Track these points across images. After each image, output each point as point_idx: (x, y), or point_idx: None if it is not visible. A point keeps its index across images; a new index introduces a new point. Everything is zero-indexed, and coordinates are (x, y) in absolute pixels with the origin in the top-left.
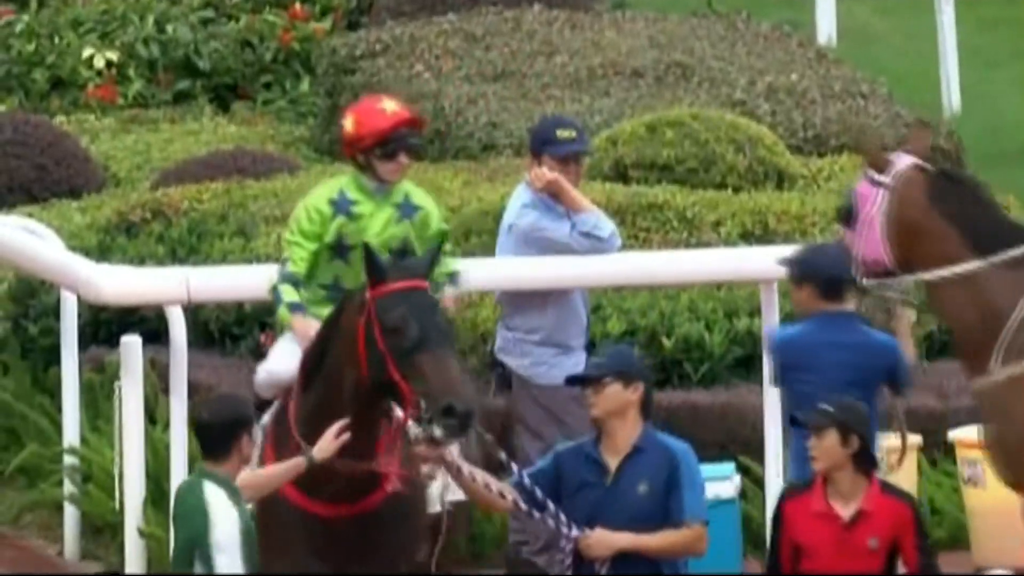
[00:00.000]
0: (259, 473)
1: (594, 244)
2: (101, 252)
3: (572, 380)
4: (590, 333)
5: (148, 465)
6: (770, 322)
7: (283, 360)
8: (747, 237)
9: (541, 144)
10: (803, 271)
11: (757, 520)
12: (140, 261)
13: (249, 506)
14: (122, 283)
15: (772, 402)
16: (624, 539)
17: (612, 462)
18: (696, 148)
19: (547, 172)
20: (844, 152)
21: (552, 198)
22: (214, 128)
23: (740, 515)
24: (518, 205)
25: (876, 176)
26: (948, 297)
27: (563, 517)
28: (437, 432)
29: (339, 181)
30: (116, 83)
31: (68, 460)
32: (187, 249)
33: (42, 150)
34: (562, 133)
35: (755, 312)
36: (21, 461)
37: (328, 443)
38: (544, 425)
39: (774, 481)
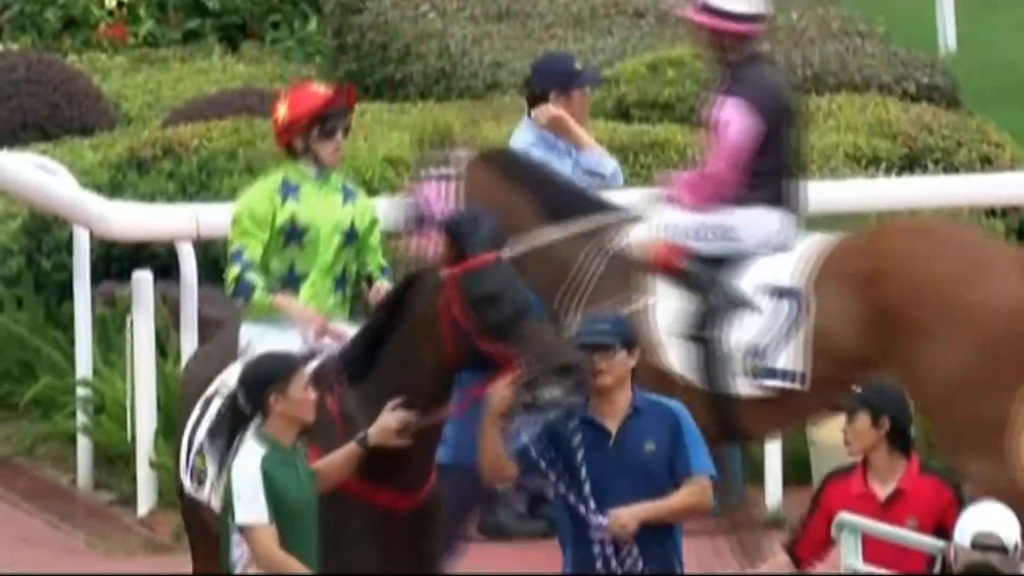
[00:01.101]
0: (317, 467)
1: (598, 182)
2: (113, 189)
3: (584, 347)
4: None
5: (159, 397)
6: None
7: None
8: None
9: (552, 81)
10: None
11: (755, 452)
12: (151, 198)
13: None
14: (133, 219)
15: None
16: (646, 509)
17: (612, 425)
18: (696, 86)
19: (552, 109)
20: (842, 91)
21: (555, 136)
22: (223, 67)
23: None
24: (521, 144)
25: (440, 171)
26: (530, 268)
27: (591, 504)
28: (551, 393)
29: (276, 174)
30: (127, 23)
31: (81, 392)
32: (197, 186)
33: (55, 88)
34: (576, 66)
35: None
36: (35, 393)
37: (387, 425)
38: None
39: None
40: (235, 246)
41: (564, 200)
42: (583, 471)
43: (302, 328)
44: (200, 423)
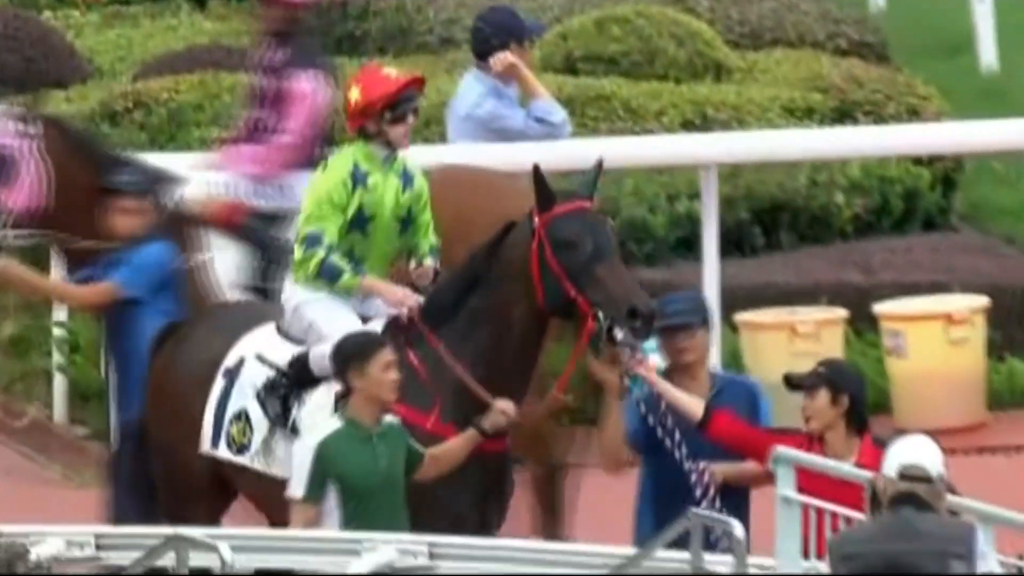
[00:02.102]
0: (434, 453)
1: (547, 129)
2: None
3: (664, 329)
4: None
5: None
6: (709, 205)
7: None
8: (687, 125)
9: (508, 32)
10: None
11: None
12: (123, 148)
13: None
14: None
15: (711, 278)
16: (726, 471)
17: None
18: (640, 43)
19: (510, 56)
20: (778, 47)
21: (505, 85)
22: (191, 24)
23: None
24: (474, 94)
25: (21, 127)
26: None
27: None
28: (621, 336)
29: (348, 155)
30: None
31: (57, 332)
32: (166, 136)
33: (31, 44)
34: (525, 19)
35: (695, 195)
36: (13, 333)
37: (497, 415)
38: None
39: (713, 348)
40: (313, 229)
41: (116, 162)
42: (679, 447)
43: (395, 308)
44: (230, 393)
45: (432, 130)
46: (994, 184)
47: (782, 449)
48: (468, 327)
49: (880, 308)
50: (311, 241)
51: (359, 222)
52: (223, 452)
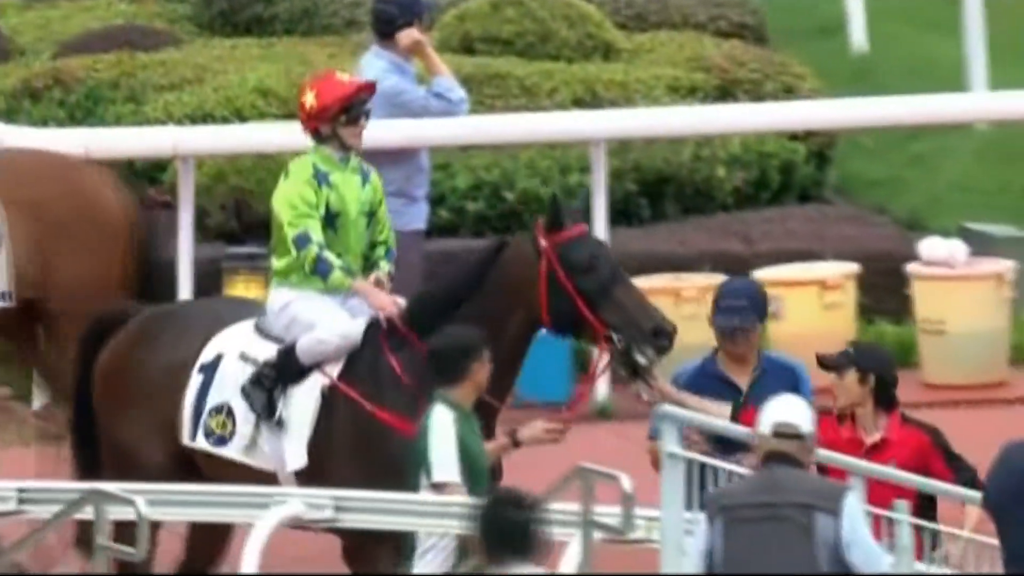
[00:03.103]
0: None
1: (446, 106)
2: (8, 115)
3: (727, 329)
4: (441, 188)
5: None
6: (599, 178)
7: (334, 327)
8: (578, 103)
9: (412, 11)
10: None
11: (584, 348)
12: (43, 123)
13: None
14: (26, 143)
15: None
16: None
17: (743, 382)
18: (534, 24)
19: (416, 33)
20: (662, 29)
21: (406, 61)
22: (107, 5)
23: (572, 346)
24: (376, 69)
25: None
26: None
27: None
28: (644, 356)
29: (306, 160)
30: None
31: None
32: (84, 113)
33: None
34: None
35: (585, 169)
36: None
37: (538, 431)
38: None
39: None
40: (299, 230)
41: None
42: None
43: (379, 312)
44: (208, 388)
45: None
46: (864, 158)
47: (666, 407)
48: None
49: (759, 274)
50: (301, 241)
51: (328, 219)
52: (200, 443)
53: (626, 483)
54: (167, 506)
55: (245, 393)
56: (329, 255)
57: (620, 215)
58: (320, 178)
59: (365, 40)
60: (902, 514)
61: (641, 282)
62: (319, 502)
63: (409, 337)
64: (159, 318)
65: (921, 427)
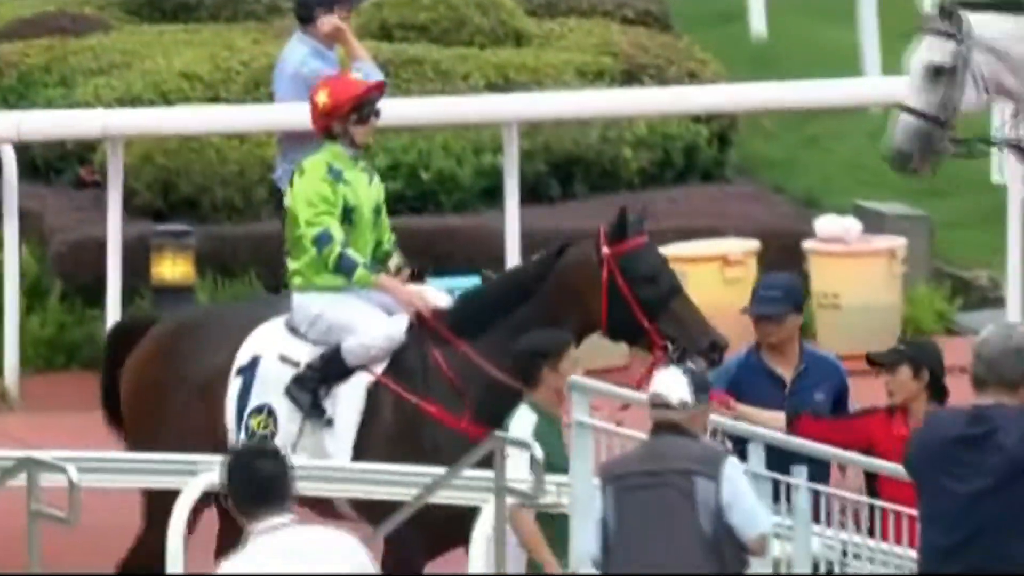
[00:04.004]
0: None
1: None
2: None
3: (760, 317)
4: None
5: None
6: (510, 158)
7: (376, 329)
8: (491, 87)
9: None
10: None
11: None
12: None
13: None
14: None
15: (512, 225)
16: None
17: (787, 374)
18: (449, 12)
19: (336, 20)
20: (571, 16)
21: (327, 47)
22: None
23: None
24: (299, 55)
25: None
26: None
27: None
28: (696, 367)
29: (319, 157)
30: None
31: None
32: (17, 96)
33: None
34: None
35: (498, 150)
36: None
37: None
38: None
39: None
40: (319, 229)
41: None
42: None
43: (405, 308)
44: (249, 390)
45: (261, 91)
46: (764, 140)
47: (576, 377)
48: (508, 335)
49: (663, 251)
50: (322, 240)
51: (347, 214)
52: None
53: (537, 451)
54: (98, 473)
55: (290, 394)
56: (351, 252)
57: (531, 194)
58: (335, 175)
59: (288, 26)
60: (800, 479)
61: None
62: None
63: (448, 337)
64: (185, 328)
65: None
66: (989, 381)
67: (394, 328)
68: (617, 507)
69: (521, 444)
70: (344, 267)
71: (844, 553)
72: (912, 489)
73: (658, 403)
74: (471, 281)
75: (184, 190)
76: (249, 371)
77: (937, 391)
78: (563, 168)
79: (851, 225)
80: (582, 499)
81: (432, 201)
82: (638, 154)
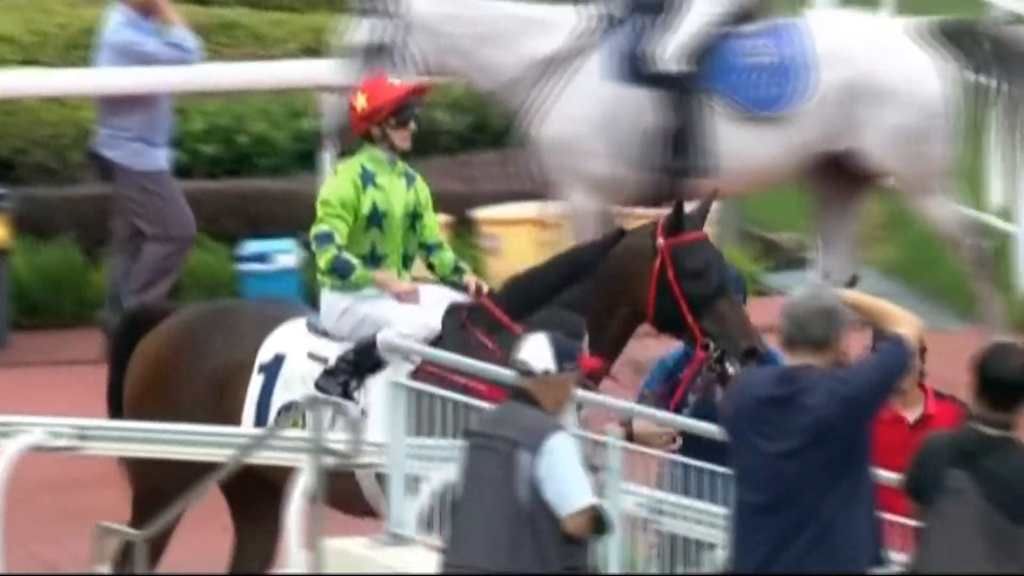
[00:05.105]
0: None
1: (180, 55)
2: None
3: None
4: (177, 132)
5: None
6: (330, 123)
7: (413, 320)
8: (307, 51)
9: None
10: None
11: (312, 283)
12: None
13: None
14: None
15: None
16: None
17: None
18: None
19: None
20: None
21: (142, 16)
22: None
23: (300, 281)
24: (113, 24)
25: None
26: None
27: None
28: (732, 369)
29: (356, 161)
30: None
31: None
32: None
33: None
34: None
35: (315, 114)
36: None
37: (653, 426)
38: (143, 195)
39: None
40: (324, 228)
41: None
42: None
43: (401, 301)
44: (272, 388)
45: (78, 54)
46: None
47: (392, 339)
48: (552, 320)
49: (479, 214)
50: (322, 239)
51: (375, 219)
52: None
53: (353, 410)
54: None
55: (319, 387)
56: (348, 256)
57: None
58: (366, 179)
59: None
60: (613, 438)
61: None
62: (61, 430)
63: (503, 319)
64: (204, 320)
65: (952, 399)
66: (798, 342)
67: (430, 318)
68: (462, 465)
69: (336, 405)
70: (339, 268)
71: (660, 512)
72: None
73: (521, 370)
74: (286, 244)
75: None
76: (272, 369)
77: (920, 376)
78: None
79: None
80: (398, 459)
81: (248, 165)
82: (454, 117)
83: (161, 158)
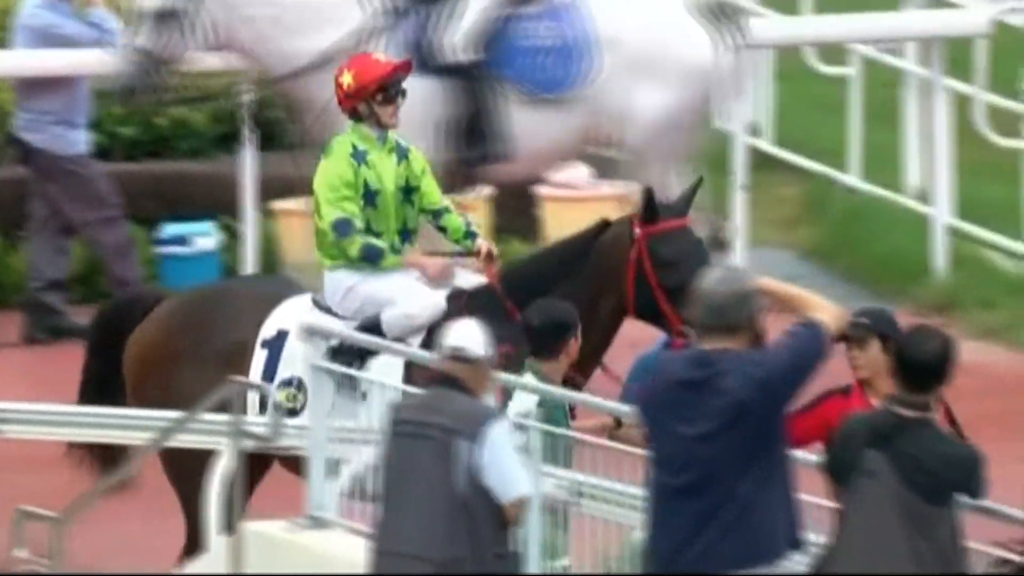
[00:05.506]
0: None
1: (100, 36)
2: None
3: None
4: (95, 114)
5: None
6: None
7: (419, 301)
8: None
9: None
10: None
11: (233, 265)
12: None
13: None
14: None
15: (250, 171)
16: None
17: None
18: None
19: None
20: None
21: (64, 0)
22: None
23: (219, 263)
24: (30, 6)
25: None
26: None
27: None
28: None
29: (344, 139)
30: None
31: None
32: None
33: None
34: None
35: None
36: None
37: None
38: (67, 178)
39: (251, 232)
40: (340, 214)
41: None
42: None
43: (435, 281)
44: (276, 363)
45: None
46: None
47: (311, 322)
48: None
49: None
50: (343, 227)
51: (369, 197)
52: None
53: (275, 394)
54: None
55: (321, 369)
56: (375, 241)
57: (267, 140)
58: (359, 157)
59: None
60: (532, 420)
61: (285, 204)
62: None
63: (508, 308)
64: (202, 300)
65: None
66: (712, 325)
67: (437, 298)
68: (387, 451)
69: (256, 387)
70: (369, 256)
71: (580, 494)
72: None
73: (454, 356)
74: (205, 226)
75: None
76: (276, 344)
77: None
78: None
79: (579, 171)
80: (319, 442)
81: (167, 147)
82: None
83: (81, 141)
